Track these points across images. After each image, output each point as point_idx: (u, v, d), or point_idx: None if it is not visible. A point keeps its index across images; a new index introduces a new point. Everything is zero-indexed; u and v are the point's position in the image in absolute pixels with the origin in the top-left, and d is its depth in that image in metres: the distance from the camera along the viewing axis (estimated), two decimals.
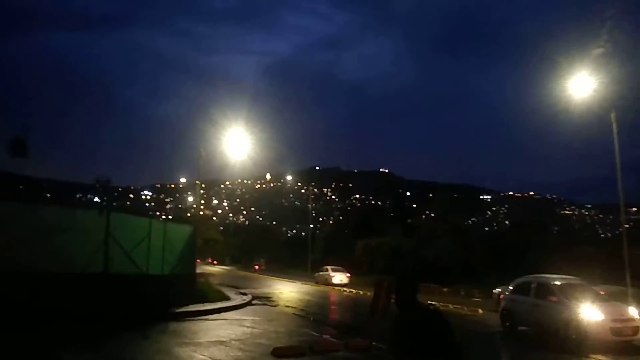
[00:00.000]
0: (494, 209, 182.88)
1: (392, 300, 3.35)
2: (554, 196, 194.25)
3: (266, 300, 22.22)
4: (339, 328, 14.12)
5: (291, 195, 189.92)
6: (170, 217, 70.25)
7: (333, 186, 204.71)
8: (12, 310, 10.81)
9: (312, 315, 17.52)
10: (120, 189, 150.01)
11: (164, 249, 16.45)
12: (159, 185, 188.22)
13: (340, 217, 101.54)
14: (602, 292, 13.63)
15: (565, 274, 15.03)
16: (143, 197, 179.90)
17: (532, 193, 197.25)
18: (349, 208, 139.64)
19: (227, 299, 19.94)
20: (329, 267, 37.58)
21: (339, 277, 35.95)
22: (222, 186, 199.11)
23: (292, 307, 19.87)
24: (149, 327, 12.25)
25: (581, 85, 21.00)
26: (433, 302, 16.70)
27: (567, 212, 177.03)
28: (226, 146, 29.25)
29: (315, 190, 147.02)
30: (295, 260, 58.61)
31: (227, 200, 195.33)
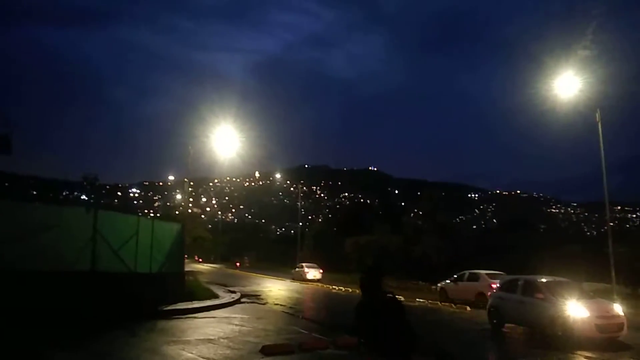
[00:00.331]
0: (482, 207, 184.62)
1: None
2: (541, 195, 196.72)
3: (255, 298, 22.22)
4: (327, 325, 14.16)
5: (280, 193, 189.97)
6: (158, 214, 69.89)
7: (322, 184, 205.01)
8: None
9: (300, 312, 17.58)
10: (108, 187, 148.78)
11: (152, 247, 16.33)
12: (147, 183, 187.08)
13: (330, 215, 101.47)
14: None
15: (551, 272, 15.21)
16: (131, 194, 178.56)
17: (519, 191, 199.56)
18: (338, 206, 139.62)
19: (216, 297, 19.91)
20: (303, 264, 41.13)
21: (313, 273, 39.18)
22: (210, 184, 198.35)
23: (281, 305, 19.88)
24: (137, 325, 12.17)
25: (567, 85, 21.29)
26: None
27: (553, 210, 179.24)
28: (215, 144, 29.04)
29: (305, 188, 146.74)
30: (285, 258, 58.56)
31: (215, 198, 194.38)
